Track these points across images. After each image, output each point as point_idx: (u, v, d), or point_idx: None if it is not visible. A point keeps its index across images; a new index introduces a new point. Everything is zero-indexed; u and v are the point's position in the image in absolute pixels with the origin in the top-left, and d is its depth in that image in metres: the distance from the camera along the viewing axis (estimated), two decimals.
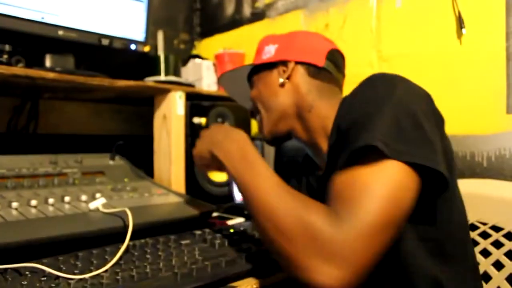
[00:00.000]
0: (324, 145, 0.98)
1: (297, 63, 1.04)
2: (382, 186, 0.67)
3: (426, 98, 0.81)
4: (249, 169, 0.80)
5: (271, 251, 0.72)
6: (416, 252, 0.78)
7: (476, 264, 0.89)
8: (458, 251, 0.82)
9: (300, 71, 1.04)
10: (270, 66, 1.08)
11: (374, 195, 0.66)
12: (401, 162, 0.68)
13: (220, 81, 1.27)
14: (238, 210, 1.35)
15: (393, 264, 0.77)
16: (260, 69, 1.10)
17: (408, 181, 0.69)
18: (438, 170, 0.69)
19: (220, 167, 0.89)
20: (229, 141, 0.89)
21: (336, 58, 1.08)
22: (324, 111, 0.97)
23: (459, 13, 1.28)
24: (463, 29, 1.27)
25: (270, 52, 1.08)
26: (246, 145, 0.86)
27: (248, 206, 0.77)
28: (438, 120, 0.81)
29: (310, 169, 1.12)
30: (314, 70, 1.04)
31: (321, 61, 1.04)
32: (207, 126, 1.53)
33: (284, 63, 1.05)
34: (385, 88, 0.77)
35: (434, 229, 0.79)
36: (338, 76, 1.08)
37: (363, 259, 0.63)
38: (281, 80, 1.04)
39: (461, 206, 0.88)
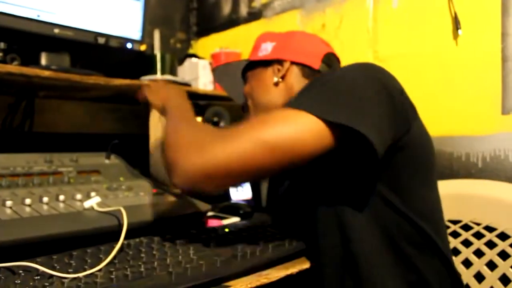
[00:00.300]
0: None
1: (292, 63, 1.05)
2: (287, 124, 0.71)
3: (385, 75, 0.82)
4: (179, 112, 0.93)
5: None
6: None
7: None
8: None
9: (295, 71, 1.05)
10: (265, 63, 1.08)
11: (266, 126, 0.71)
12: (316, 117, 0.71)
13: (214, 73, 1.29)
14: (233, 209, 1.35)
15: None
16: (255, 65, 1.11)
17: (312, 134, 0.71)
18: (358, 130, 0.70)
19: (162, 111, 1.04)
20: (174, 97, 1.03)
21: (331, 61, 1.09)
22: None
23: (455, 14, 1.28)
24: (459, 30, 1.28)
25: (266, 50, 1.08)
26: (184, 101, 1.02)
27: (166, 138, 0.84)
28: (393, 95, 0.80)
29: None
30: (309, 72, 1.05)
31: (316, 64, 1.05)
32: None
33: (280, 62, 1.06)
34: (350, 68, 0.81)
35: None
36: None
37: (222, 157, 0.69)
38: (276, 79, 1.05)
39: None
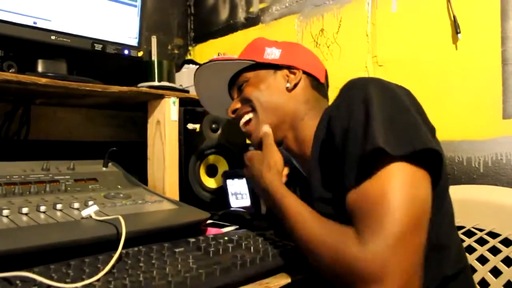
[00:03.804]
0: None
1: (304, 72, 1.07)
2: (397, 192, 0.67)
3: (405, 92, 0.81)
4: (288, 197, 0.89)
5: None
6: None
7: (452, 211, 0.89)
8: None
9: (306, 81, 1.07)
10: (274, 67, 1.08)
11: (391, 203, 0.66)
12: (407, 159, 0.68)
13: (199, 71, 1.19)
14: (232, 217, 1.34)
15: None
16: (258, 68, 1.09)
17: (419, 176, 0.69)
18: (433, 149, 0.69)
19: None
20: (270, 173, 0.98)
21: (327, 78, 1.15)
22: (313, 122, 0.97)
23: (455, 17, 1.28)
24: (458, 34, 1.27)
25: (275, 54, 1.09)
26: (274, 181, 0.95)
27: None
28: (421, 112, 0.80)
29: (298, 181, 1.12)
30: (316, 83, 1.08)
31: (322, 77, 1.10)
32: (201, 131, 1.52)
33: (291, 69, 1.07)
34: (365, 89, 0.78)
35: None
36: (328, 95, 1.13)
37: (401, 269, 0.63)
38: (288, 85, 1.05)
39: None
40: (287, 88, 1.05)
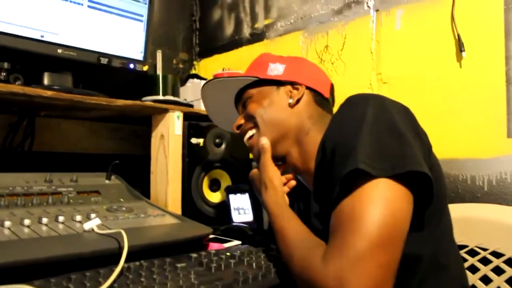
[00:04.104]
0: None
1: (307, 88, 1.06)
2: (370, 209, 0.67)
3: (403, 111, 0.81)
4: (281, 217, 0.92)
5: None
6: None
7: (451, 229, 0.88)
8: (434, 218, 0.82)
9: (309, 96, 1.07)
10: (277, 83, 1.08)
11: (361, 221, 0.67)
12: (389, 179, 0.68)
13: (204, 88, 1.19)
14: (235, 232, 1.33)
15: None
16: (263, 83, 1.10)
17: (399, 196, 0.69)
18: (423, 172, 0.69)
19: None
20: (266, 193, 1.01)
21: (333, 93, 1.13)
22: (319, 136, 0.96)
23: (459, 36, 1.28)
24: (463, 52, 1.27)
25: (278, 70, 1.09)
26: (268, 201, 0.99)
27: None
28: (418, 131, 0.80)
29: (301, 196, 1.11)
30: (320, 99, 1.08)
31: (326, 92, 1.09)
32: (204, 146, 1.52)
33: (294, 84, 1.07)
34: (361, 108, 0.79)
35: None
36: (333, 109, 1.12)
37: (362, 284, 0.63)
38: (291, 101, 1.05)
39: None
40: (289, 104, 1.05)
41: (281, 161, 1.07)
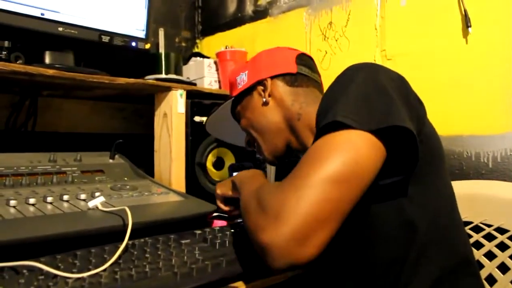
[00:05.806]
0: None
1: (272, 77, 1.07)
2: (332, 150, 0.67)
3: (396, 78, 0.80)
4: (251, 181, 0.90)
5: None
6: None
7: (451, 202, 0.87)
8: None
9: (278, 84, 1.07)
10: (248, 91, 1.10)
11: (325, 158, 0.67)
12: (366, 131, 0.67)
13: (207, 128, 1.29)
14: (238, 209, 1.33)
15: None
16: (240, 99, 1.13)
17: (369, 146, 0.68)
18: (405, 127, 0.68)
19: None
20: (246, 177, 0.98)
21: (305, 60, 1.11)
22: (312, 116, 0.95)
23: (465, 11, 1.26)
24: (469, 28, 1.26)
25: (243, 80, 1.11)
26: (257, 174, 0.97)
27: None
28: (409, 99, 0.78)
29: None
30: (290, 79, 1.07)
31: (293, 68, 1.07)
32: None
33: (260, 82, 1.08)
34: (352, 72, 0.78)
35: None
36: (314, 76, 1.11)
37: (299, 212, 0.63)
38: (264, 99, 1.07)
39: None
40: (264, 102, 1.07)
41: (287, 152, 1.09)
